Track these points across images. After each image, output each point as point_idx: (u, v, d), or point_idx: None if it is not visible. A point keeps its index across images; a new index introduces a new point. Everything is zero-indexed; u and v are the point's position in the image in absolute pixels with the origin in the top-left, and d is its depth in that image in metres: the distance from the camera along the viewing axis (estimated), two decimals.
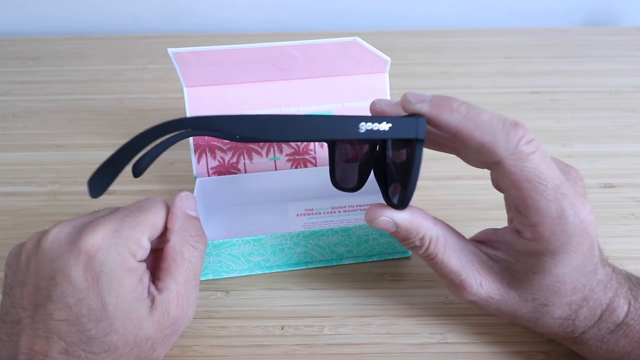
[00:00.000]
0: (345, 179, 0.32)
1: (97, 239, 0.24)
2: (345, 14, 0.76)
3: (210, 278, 0.35)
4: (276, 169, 0.40)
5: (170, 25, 0.76)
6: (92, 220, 0.26)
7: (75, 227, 0.25)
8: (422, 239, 0.26)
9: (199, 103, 0.38)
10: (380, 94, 0.39)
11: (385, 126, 0.22)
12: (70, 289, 0.23)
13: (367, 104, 0.39)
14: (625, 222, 0.39)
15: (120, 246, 0.25)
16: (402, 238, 0.27)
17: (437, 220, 0.27)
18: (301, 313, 0.33)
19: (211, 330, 0.32)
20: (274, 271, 0.36)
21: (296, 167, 0.41)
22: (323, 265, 0.36)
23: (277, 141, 0.22)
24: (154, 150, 0.23)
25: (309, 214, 0.40)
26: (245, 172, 0.40)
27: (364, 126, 0.22)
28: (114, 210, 0.27)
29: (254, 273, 0.36)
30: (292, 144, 0.40)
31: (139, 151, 0.23)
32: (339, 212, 0.40)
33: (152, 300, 0.25)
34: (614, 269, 0.27)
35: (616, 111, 0.53)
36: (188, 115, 0.38)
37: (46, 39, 0.71)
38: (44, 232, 0.26)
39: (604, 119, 0.52)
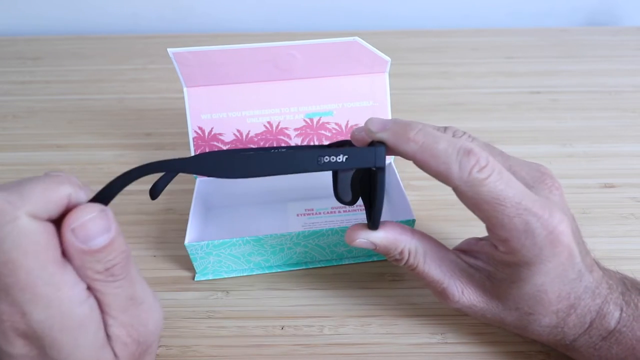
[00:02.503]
0: (343, 194, 0.34)
1: (20, 328, 0.19)
2: (345, 14, 0.76)
3: (210, 278, 0.35)
4: None
5: (170, 25, 0.76)
6: None
7: None
8: (401, 252, 0.27)
9: (199, 103, 0.38)
10: (380, 94, 0.39)
11: (342, 158, 0.24)
12: None
13: (367, 104, 0.39)
14: (625, 222, 0.39)
15: (51, 320, 0.19)
16: (382, 253, 0.28)
17: (415, 232, 0.28)
18: (301, 313, 0.33)
19: (211, 330, 0.32)
20: (274, 271, 0.36)
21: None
22: (323, 265, 0.36)
23: (245, 177, 0.23)
24: (165, 177, 0.28)
25: (309, 214, 0.40)
26: None
27: (322, 159, 0.24)
28: None
29: (254, 273, 0.35)
30: (292, 144, 0.40)
31: (120, 190, 0.23)
32: (339, 212, 0.40)
33: (111, 345, 0.22)
34: (605, 273, 0.27)
35: (616, 111, 0.53)
36: (188, 115, 0.38)
37: (46, 39, 0.71)
38: None
39: (604, 119, 0.52)
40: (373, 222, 0.27)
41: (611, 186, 0.43)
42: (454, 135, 0.27)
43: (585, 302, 0.25)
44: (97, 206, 0.21)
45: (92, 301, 0.21)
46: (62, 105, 0.56)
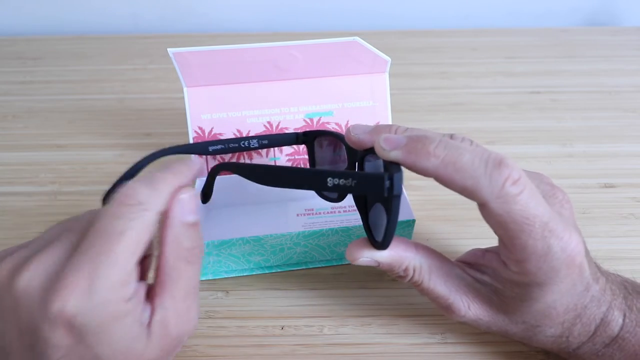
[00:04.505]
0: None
1: (70, 304, 0.20)
2: (345, 14, 0.76)
3: (210, 278, 0.35)
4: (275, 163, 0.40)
5: (170, 25, 0.76)
6: (61, 270, 0.21)
7: (48, 276, 0.21)
8: (405, 269, 0.26)
9: (199, 103, 0.38)
10: (380, 94, 0.39)
11: (351, 182, 0.23)
12: (53, 351, 0.21)
13: (367, 104, 0.39)
14: (625, 222, 0.39)
15: (100, 305, 0.21)
16: (385, 270, 0.27)
17: (419, 247, 0.27)
18: (301, 313, 0.33)
19: (211, 330, 0.32)
20: (274, 271, 0.36)
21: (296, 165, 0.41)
22: (323, 265, 0.36)
23: (263, 184, 0.25)
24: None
25: (309, 214, 0.39)
26: None
27: (331, 181, 0.23)
28: (72, 238, 0.22)
29: (254, 273, 0.36)
30: None
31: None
32: (339, 212, 0.40)
33: (149, 324, 0.23)
34: (608, 278, 0.26)
35: (616, 111, 0.53)
36: (188, 115, 0.38)
37: (46, 39, 0.71)
38: (15, 272, 0.21)
39: (603, 119, 0.52)
40: (384, 243, 0.25)
41: (611, 186, 0.43)
42: (462, 141, 0.24)
43: (591, 310, 0.25)
44: (192, 188, 0.24)
45: (137, 295, 0.22)
46: (62, 105, 0.56)
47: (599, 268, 0.27)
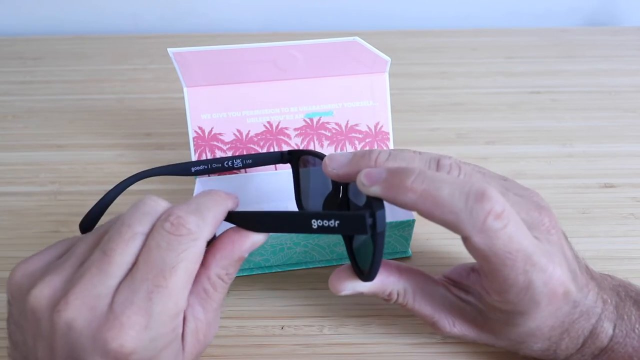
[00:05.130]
0: (309, 206, 0.35)
1: (129, 342, 0.20)
2: (345, 14, 0.76)
3: None
4: (276, 169, 0.40)
5: (170, 25, 0.76)
6: (112, 308, 0.21)
7: (96, 312, 0.20)
8: (389, 295, 0.27)
9: (199, 103, 0.38)
10: (380, 94, 0.39)
11: (334, 223, 0.22)
12: None
13: (367, 104, 0.39)
14: (625, 222, 0.39)
15: (155, 340, 0.21)
16: (370, 296, 0.27)
17: (402, 270, 0.27)
18: (301, 313, 0.33)
19: None
20: (274, 271, 0.36)
21: None
22: (323, 265, 0.36)
23: (259, 232, 0.24)
24: None
25: None
26: (245, 172, 0.40)
27: (315, 223, 0.23)
28: (105, 260, 0.21)
29: (254, 273, 0.35)
30: (292, 144, 0.40)
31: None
32: None
33: (183, 335, 0.23)
34: (600, 285, 0.26)
35: (616, 111, 0.53)
36: (188, 115, 0.38)
37: (46, 39, 0.71)
38: (55, 302, 0.21)
39: (603, 119, 0.52)
40: (369, 276, 0.25)
41: (611, 186, 0.43)
42: (449, 172, 0.24)
43: (579, 324, 0.25)
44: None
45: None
46: (62, 105, 0.56)
47: (591, 274, 0.26)
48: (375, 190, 0.23)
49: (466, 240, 0.22)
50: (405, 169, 0.23)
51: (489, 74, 0.61)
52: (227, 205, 0.24)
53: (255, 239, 0.24)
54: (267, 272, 0.36)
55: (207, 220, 0.23)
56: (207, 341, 0.24)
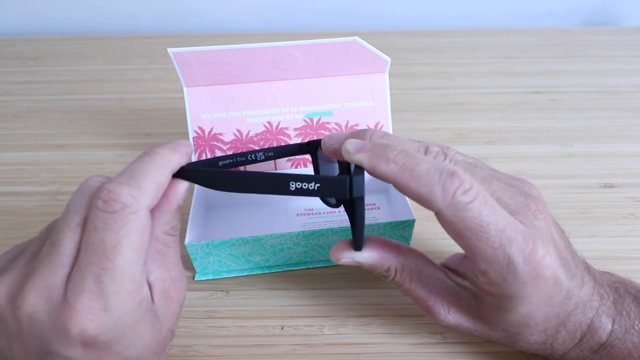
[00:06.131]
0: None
1: (90, 326, 0.20)
2: (345, 14, 0.76)
3: (210, 278, 0.35)
4: (276, 169, 0.40)
5: (170, 25, 0.76)
6: (64, 293, 0.21)
7: (52, 301, 0.21)
8: (387, 270, 0.27)
9: (199, 103, 0.38)
10: (380, 94, 0.39)
11: (313, 185, 0.23)
12: None
13: (367, 104, 0.39)
14: (625, 222, 0.39)
15: (121, 318, 0.21)
16: (368, 270, 0.28)
17: (402, 248, 0.27)
18: (301, 313, 0.33)
19: (211, 330, 0.32)
20: (274, 271, 0.36)
21: (296, 167, 0.41)
22: (323, 265, 0.36)
23: (225, 191, 0.25)
24: None
25: (309, 214, 0.40)
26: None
27: (293, 185, 0.23)
28: (59, 249, 0.21)
29: (254, 273, 0.36)
30: (292, 144, 0.40)
31: None
32: (339, 212, 0.40)
33: (152, 300, 0.24)
34: (597, 281, 0.26)
35: (616, 111, 0.54)
36: (188, 115, 0.38)
37: (46, 39, 0.71)
38: (14, 297, 0.21)
39: (603, 119, 0.52)
40: (356, 244, 0.26)
41: (611, 186, 0.43)
42: (435, 157, 0.25)
43: (575, 317, 0.25)
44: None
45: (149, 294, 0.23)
46: (62, 105, 0.56)
47: (588, 268, 0.26)
48: (359, 158, 0.24)
49: (439, 214, 0.23)
50: (389, 144, 0.25)
51: (489, 74, 0.61)
52: (171, 164, 0.24)
53: (181, 187, 0.24)
54: (267, 272, 0.36)
55: (144, 187, 0.22)
56: (180, 297, 0.25)
